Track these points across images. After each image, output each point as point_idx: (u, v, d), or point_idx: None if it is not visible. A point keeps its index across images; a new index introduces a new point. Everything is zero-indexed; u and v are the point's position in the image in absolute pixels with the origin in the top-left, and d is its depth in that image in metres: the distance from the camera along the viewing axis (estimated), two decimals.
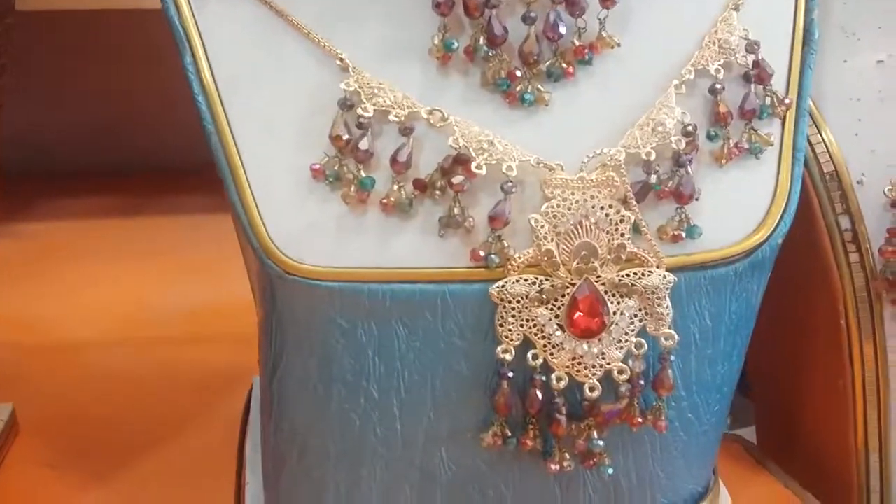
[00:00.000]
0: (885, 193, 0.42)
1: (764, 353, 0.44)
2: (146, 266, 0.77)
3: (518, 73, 0.35)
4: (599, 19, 0.35)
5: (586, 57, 0.35)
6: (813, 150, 0.42)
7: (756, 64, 0.36)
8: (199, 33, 0.35)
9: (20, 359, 0.62)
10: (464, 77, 0.35)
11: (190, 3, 0.35)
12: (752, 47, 0.36)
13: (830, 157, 0.42)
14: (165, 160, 0.89)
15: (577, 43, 0.35)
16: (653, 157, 0.34)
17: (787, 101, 0.37)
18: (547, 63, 0.35)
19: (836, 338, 0.42)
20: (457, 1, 0.34)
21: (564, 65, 0.35)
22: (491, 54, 0.35)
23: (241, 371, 0.58)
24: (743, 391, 0.50)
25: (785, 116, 0.37)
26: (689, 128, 0.35)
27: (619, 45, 0.35)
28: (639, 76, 0.36)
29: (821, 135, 0.42)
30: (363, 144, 0.34)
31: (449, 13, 0.34)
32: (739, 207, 0.36)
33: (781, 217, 0.36)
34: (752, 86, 0.36)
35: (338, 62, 0.35)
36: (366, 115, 0.34)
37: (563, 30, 0.35)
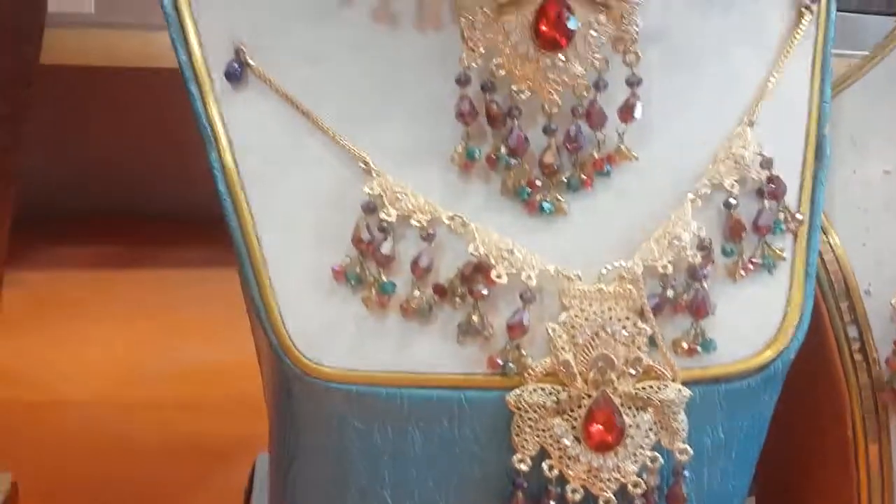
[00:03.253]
0: (892, 304, 0.42)
1: (769, 457, 0.44)
2: (149, 321, 0.77)
3: (538, 183, 0.36)
4: (618, 133, 0.36)
5: (605, 170, 0.36)
6: (822, 259, 0.43)
7: (770, 180, 0.37)
8: (226, 129, 0.36)
9: (18, 419, 0.62)
10: (485, 184, 0.36)
11: (217, 99, 0.36)
12: (766, 163, 0.37)
13: (839, 265, 0.43)
14: (173, 208, 0.90)
15: (596, 155, 0.36)
16: (669, 270, 0.35)
17: (799, 216, 0.38)
18: (567, 174, 0.36)
19: (843, 446, 0.43)
20: (479, 109, 0.35)
21: (584, 176, 0.36)
22: (512, 163, 0.35)
23: (243, 439, 0.58)
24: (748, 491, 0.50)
25: (797, 232, 0.38)
26: (705, 242, 0.36)
27: (636, 158, 0.36)
28: (656, 188, 0.37)
29: (829, 243, 0.43)
30: (385, 249, 0.34)
31: (472, 122, 0.35)
32: (753, 322, 0.36)
33: (794, 333, 0.36)
34: (766, 201, 0.37)
35: (361, 164, 0.35)
36: (388, 219, 0.34)
37: (582, 142, 0.36)
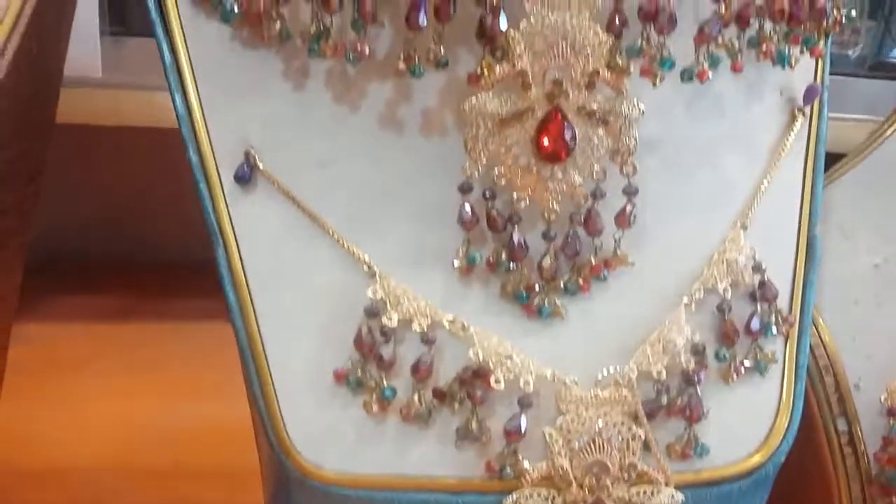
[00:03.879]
0: (881, 401, 0.43)
1: None
2: (153, 376, 0.77)
3: (537, 287, 0.36)
4: (615, 238, 0.37)
5: (602, 276, 0.37)
6: (812, 353, 0.44)
7: (762, 284, 0.38)
8: (234, 229, 0.37)
9: (18, 485, 0.62)
10: (485, 287, 0.37)
11: (226, 199, 0.37)
12: (758, 268, 0.38)
13: (829, 360, 0.44)
14: (179, 258, 0.90)
15: (593, 261, 0.37)
16: (663, 376, 0.36)
17: (790, 318, 0.39)
18: (564, 278, 0.37)
19: None
20: (480, 215, 0.36)
21: (581, 281, 0.37)
22: (511, 268, 0.36)
23: None
24: None
25: (788, 334, 0.39)
26: (699, 347, 0.37)
27: (633, 264, 0.37)
28: (651, 292, 0.38)
29: (820, 337, 0.44)
30: (386, 353, 0.35)
31: (473, 228, 0.36)
32: (744, 424, 0.37)
33: (785, 436, 0.37)
34: (759, 304, 0.38)
35: (365, 268, 0.36)
36: (390, 324, 0.35)
37: (580, 249, 0.36)
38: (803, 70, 0.41)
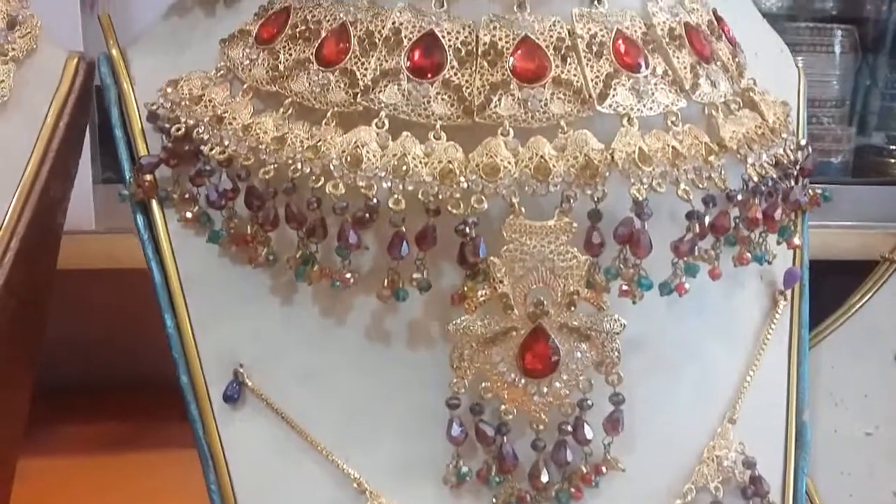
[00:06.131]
0: None
1: None
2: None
3: (528, 498, 0.37)
4: (605, 444, 0.37)
5: (594, 483, 0.37)
6: None
7: (753, 479, 0.38)
8: (223, 449, 0.37)
9: None
10: (476, 499, 0.37)
11: (216, 418, 0.38)
12: (748, 463, 0.38)
13: None
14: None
15: (584, 470, 0.37)
16: None
17: None
18: (556, 487, 0.37)
19: None
20: (469, 427, 0.36)
21: (573, 490, 0.37)
22: (501, 480, 0.36)
23: None
24: None
25: None
26: None
27: (623, 469, 0.37)
28: (643, 494, 0.38)
29: None
30: None
31: (462, 443, 0.36)
32: None
33: None
34: (751, 501, 0.38)
35: (355, 485, 0.36)
36: None
37: (570, 457, 0.37)
38: (782, 252, 0.42)
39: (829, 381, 0.48)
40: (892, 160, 0.97)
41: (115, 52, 0.42)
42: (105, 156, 0.80)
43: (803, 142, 0.42)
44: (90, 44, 0.70)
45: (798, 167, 0.41)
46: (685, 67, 0.36)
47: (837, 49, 0.92)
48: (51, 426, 0.89)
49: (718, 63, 0.38)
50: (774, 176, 0.38)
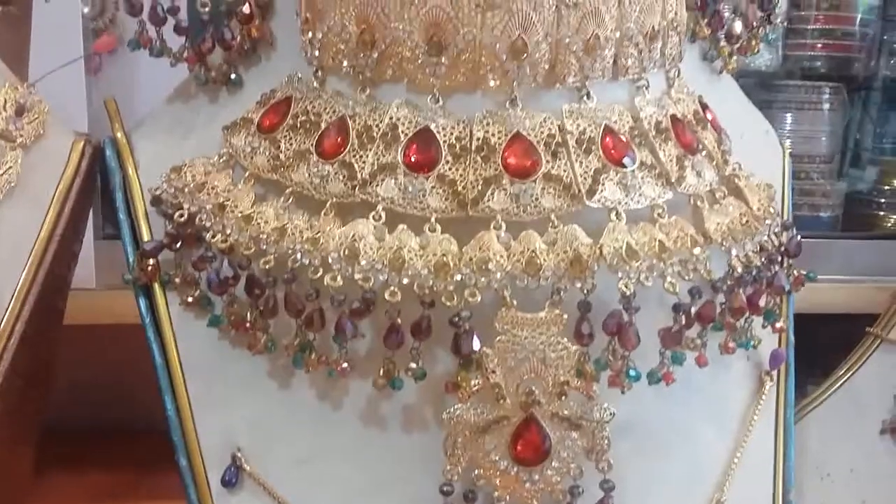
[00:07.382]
0: None
1: None
2: None
3: None
4: None
5: None
6: None
7: None
8: None
9: None
10: None
11: (213, 501, 0.38)
12: None
13: None
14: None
15: None
16: None
17: None
18: None
19: None
20: None
21: None
22: None
23: None
24: None
25: None
26: None
27: None
28: None
29: None
30: None
31: None
32: None
33: None
34: None
35: None
36: None
37: None
38: (768, 332, 0.43)
39: (816, 455, 0.48)
40: (882, 213, 0.99)
41: (119, 135, 0.43)
42: (106, 212, 0.82)
43: (789, 221, 0.43)
44: (94, 112, 0.72)
45: (783, 249, 0.42)
46: (671, 160, 0.38)
47: (826, 106, 0.94)
48: (50, 475, 0.89)
49: (704, 152, 0.39)
50: (758, 264, 0.39)
